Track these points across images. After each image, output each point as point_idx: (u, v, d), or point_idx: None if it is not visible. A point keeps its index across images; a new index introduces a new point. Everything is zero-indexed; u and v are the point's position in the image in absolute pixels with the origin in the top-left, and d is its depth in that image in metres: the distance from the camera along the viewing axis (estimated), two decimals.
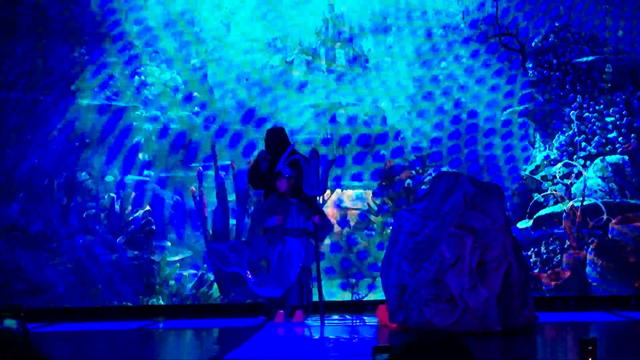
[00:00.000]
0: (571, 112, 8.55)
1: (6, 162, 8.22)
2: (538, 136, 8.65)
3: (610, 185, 8.38)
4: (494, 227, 5.82)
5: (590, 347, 3.54)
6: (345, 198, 8.53)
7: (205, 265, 8.28)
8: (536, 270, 8.21)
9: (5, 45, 8.36)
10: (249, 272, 6.82)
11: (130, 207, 8.33)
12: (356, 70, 8.73)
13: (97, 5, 8.55)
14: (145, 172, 8.46)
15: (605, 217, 8.22)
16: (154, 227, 8.33)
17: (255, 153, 7.81)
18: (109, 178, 8.37)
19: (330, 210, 8.38)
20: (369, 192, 8.53)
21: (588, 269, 8.18)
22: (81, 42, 8.49)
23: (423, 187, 8.34)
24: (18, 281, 8.09)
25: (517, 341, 5.55)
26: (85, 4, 8.53)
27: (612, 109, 8.54)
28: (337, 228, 8.36)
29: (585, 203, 8.25)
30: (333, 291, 8.29)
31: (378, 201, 8.48)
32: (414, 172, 8.52)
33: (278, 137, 7.22)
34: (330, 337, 6.15)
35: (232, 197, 8.35)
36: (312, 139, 8.53)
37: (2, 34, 8.37)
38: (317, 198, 7.17)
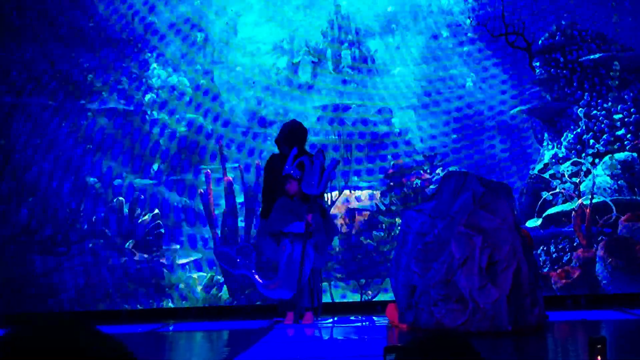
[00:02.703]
0: (579, 110, 8.53)
1: (15, 167, 8.26)
2: (546, 135, 8.64)
3: (619, 182, 8.35)
4: (503, 227, 5.81)
5: (599, 346, 3.53)
6: (353, 199, 8.53)
7: (214, 268, 8.29)
8: (546, 269, 8.19)
9: (13, 51, 8.40)
10: (257, 275, 6.82)
11: (139, 211, 8.35)
12: (363, 71, 8.74)
13: (103, 10, 8.58)
14: (154, 175, 8.49)
15: (614, 214, 8.19)
16: (163, 230, 8.36)
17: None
18: (118, 182, 8.40)
19: (338, 211, 8.39)
20: (377, 193, 8.53)
21: (598, 267, 8.15)
22: (88, 47, 8.53)
23: (431, 187, 8.34)
24: (29, 286, 8.13)
25: (527, 341, 5.54)
26: (92, 9, 8.56)
27: (620, 106, 8.51)
28: (345, 229, 8.36)
29: (594, 201, 8.22)
30: (342, 292, 8.30)
31: (386, 201, 8.48)
32: (422, 172, 8.52)
33: (302, 133, 7.05)
34: (340, 338, 6.15)
35: (240, 199, 8.36)
36: (319, 140, 8.54)
37: (10, 40, 8.41)
38: (324, 198, 7.16)
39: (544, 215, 8.36)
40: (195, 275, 8.32)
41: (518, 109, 8.66)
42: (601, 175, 8.36)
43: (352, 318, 7.35)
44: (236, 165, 8.48)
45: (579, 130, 8.50)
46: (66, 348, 1.40)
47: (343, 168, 8.36)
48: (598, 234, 8.21)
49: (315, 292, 6.80)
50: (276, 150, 7.14)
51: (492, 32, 8.65)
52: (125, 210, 8.33)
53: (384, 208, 8.46)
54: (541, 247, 8.29)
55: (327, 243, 7.02)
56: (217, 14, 8.73)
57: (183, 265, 8.34)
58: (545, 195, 8.39)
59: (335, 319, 7.21)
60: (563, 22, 8.69)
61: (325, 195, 8.19)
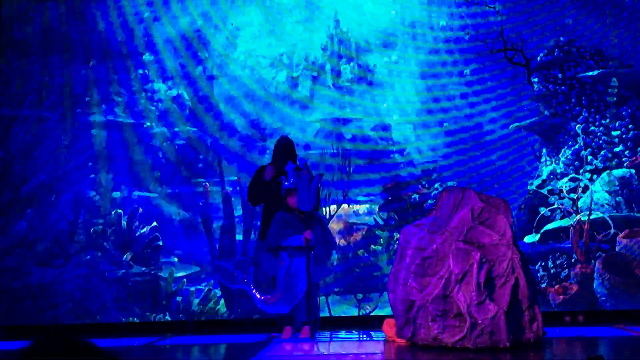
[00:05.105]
0: (577, 126, 8.56)
1: (14, 179, 8.26)
2: (544, 150, 8.66)
3: (617, 199, 8.37)
4: (502, 242, 5.82)
5: None
6: (351, 213, 8.53)
7: (212, 281, 8.28)
8: (544, 285, 8.19)
9: (13, 63, 8.42)
10: (254, 290, 6.80)
11: (137, 223, 8.35)
12: (362, 86, 8.76)
13: (104, 23, 8.61)
14: (152, 188, 8.48)
15: (612, 231, 8.20)
16: (160, 243, 8.35)
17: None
18: (116, 194, 8.40)
19: (336, 225, 8.39)
20: (375, 207, 8.54)
21: (596, 283, 8.15)
22: (88, 59, 8.56)
23: (430, 201, 8.34)
24: (26, 298, 8.10)
25: (526, 357, 5.53)
26: (93, 21, 8.59)
27: (618, 122, 8.55)
28: (343, 243, 8.35)
29: (592, 217, 8.23)
30: (340, 307, 8.28)
31: (384, 216, 8.48)
32: (420, 186, 8.53)
33: (290, 147, 7.20)
34: (338, 352, 6.14)
35: (238, 213, 8.36)
36: (318, 154, 8.55)
37: (10, 52, 8.44)
38: (322, 211, 7.17)
39: (541, 230, 8.37)
40: (192, 289, 8.30)
41: (516, 124, 8.68)
42: (599, 192, 8.38)
43: (354, 332, 7.33)
44: (235, 178, 8.49)
45: (577, 146, 8.52)
46: None
47: (342, 182, 8.36)
48: (596, 250, 8.21)
49: (312, 306, 6.78)
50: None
51: (491, 48, 8.69)
52: (124, 222, 8.33)
53: (382, 222, 8.46)
54: (539, 263, 8.29)
55: (326, 256, 7.00)
56: (217, 27, 8.76)
57: (180, 279, 8.33)
58: (543, 211, 8.40)
59: (334, 333, 7.19)
60: (561, 39, 8.73)
61: (324, 209, 8.20)
